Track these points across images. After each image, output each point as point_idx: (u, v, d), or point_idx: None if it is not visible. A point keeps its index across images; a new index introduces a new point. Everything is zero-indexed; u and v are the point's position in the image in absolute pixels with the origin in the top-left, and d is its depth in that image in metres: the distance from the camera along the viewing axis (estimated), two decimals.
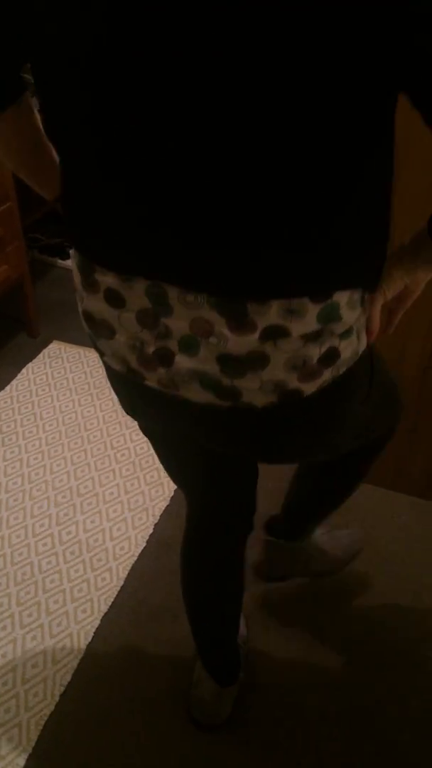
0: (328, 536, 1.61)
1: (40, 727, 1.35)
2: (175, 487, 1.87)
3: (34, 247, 2.91)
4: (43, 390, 2.22)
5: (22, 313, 2.44)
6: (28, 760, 1.30)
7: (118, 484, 1.88)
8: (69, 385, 2.24)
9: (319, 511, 1.44)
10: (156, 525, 1.76)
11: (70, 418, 2.11)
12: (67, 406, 2.15)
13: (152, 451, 1.98)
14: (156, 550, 1.70)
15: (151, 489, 1.87)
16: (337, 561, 1.60)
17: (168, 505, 1.82)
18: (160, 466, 1.93)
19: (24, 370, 2.29)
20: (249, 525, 1.19)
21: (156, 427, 0.99)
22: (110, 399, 2.18)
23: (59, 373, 2.29)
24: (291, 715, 1.37)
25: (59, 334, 2.47)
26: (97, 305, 0.80)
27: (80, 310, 0.85)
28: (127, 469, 1.93)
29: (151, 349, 0.78)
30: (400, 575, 1.64)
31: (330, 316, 0.73)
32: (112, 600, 1.58)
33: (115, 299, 0.78)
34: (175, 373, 0.78)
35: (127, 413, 0.99)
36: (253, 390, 0.77)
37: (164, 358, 0.78)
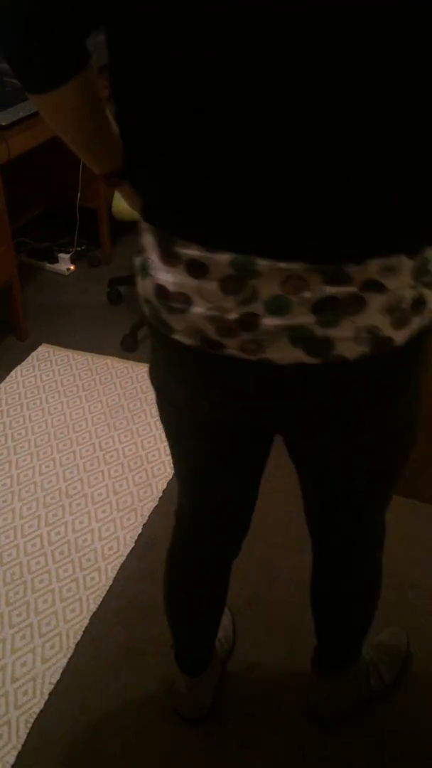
0: (371, 648, 1.45)
1: (30, 725, 1.36)
2: (164, 488, 1.89)
3: (22, 251, 2.93)
4: (32, 392, 2.23)
5: (10, 316, 2.45)
6: (18, 757, 1.31)
7: (106, 485, 1.89)
8: (58, 388, 2.25)
9: (357, 622, 1.25)
10: (144, 525, 1.78)
11: (59, 420, 2.12)
12: (55, 409, 2.16)
13: (141, 452, 2.00)
14: (144, 550, 1.71)
15: (139, 490, 1.88)
16: (391, 670, 1.42)
17: (156, 506, 1.83)
18: (149, 468, 1.95)
19: (13, 373, 2.30)
20: (238, 544, 1.18)
21: (205, 414, 0.93)
22: (99, 401, 2.19)
23: (48, 375, 2.30)
24: (272, 712, 1.39)
25: (48, 338, 2.49)
26: (176, 277, 0.79)
27: (150, 285, 0.83)
28: (116, 471, 1.94)
29: (233, 316, 0.77)
30: (386, 572, 1.66)
31: (422, 269, 0.76)
32: (101, 599, 1.59)
33: (197, 269, 0.77)
34: (261, 333, 0.77)
35: (178, 407, 0.95)
36: (347, 340, 0.76)
37: (248, 323, 0.77)
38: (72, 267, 2.90)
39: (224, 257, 0.75)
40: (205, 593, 1.22)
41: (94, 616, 1.55)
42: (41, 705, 1.39)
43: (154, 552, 1.71)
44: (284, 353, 0.78)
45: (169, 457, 1.99)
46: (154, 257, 0.81)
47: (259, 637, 1.53)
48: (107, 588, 1.62)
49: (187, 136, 0.71)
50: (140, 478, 1.92)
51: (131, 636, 1.52)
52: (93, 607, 1.57)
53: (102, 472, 1.94)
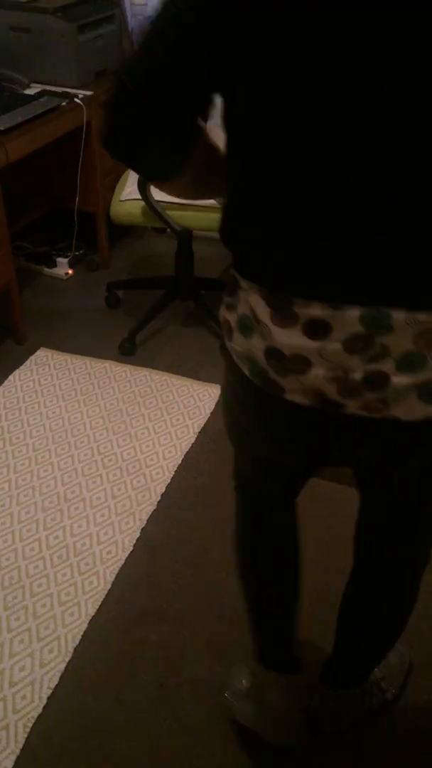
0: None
1: (28, 729, 1.36)
2: (162, 491, 1.89)
3: (20, 255, 2.93)
4: (30, 396, 2.23)
5: (8, 320, 2.45)
6: (16, 762, 1.31)
7: (105, 489, 1.89)
8: (56, 392, 2.25)
9: (382, 644, 1.24)
10: (143, 529, 1.78)
11: (57, 424, 2.12)
12: (54, 413, 2.16)
13: (139, 456, 2.00)
14: (143, 554, 1.72)
15: (138, 494, 1.88)
16: (392, 687, 1.40)
17: (155, 510, 1.84)
18: (147, 471, 1.95)
19: (11, 377, 2.31)
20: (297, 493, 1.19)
21: (295, 456, 0.95)
22: (97, 405, 2.20)
23: (46, 379, 2.31)
24: None
25: (46, 342, 2.49)
26: (293, 339, 0.75)
27: (259, 347, 0.80)
28: (114, 474, 1.94)
29: (358, 376, 0.74)
30: None
31: None
32: (99, 603, 1.59)
33: (318, 330, 0.74)
34: (389, 392, 0.74)
35: (276, 453, 0.95)
36: None
37: (376, 382, 0.74)
38: (70, 271, 2.90)
39: (353, 313, 0.72)
40: (281, 563, 1.21)
41: (93, 620, 1.55)
42: (40, 709, 1.39)
43: (153, 556, 1.71)
44: (413, 410, 0.75)
45: (168, 461, 1.99)
46: (262, 317, 0.78)
47: None
48: (106, 592, 1.62)
49: (314, 188, 0.69)
50: (138, 482, 1.92)
51: (130, 640, 1.52)
52: (91, 611, 1.57)
53: (100, 476, 1.94)
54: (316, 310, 0.73)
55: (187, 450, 2.04)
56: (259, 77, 0.68)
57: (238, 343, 0.84)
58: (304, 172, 0.70)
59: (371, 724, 1.37)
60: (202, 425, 2.13)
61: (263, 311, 0.77)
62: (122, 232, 3.12)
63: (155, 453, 2.02)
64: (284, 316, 0.75)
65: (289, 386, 0.79)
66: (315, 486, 1.93)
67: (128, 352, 2.44)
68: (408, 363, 0.72)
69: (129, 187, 2.34)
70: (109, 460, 1.99)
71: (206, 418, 2.16)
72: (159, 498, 1.87)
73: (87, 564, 1.68)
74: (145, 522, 1.80)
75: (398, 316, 0.70)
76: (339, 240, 0.70)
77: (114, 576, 1.66)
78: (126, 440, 2.06)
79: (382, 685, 1.38)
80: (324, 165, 0.68)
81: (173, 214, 2.25)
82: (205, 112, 0.75)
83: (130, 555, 1.71)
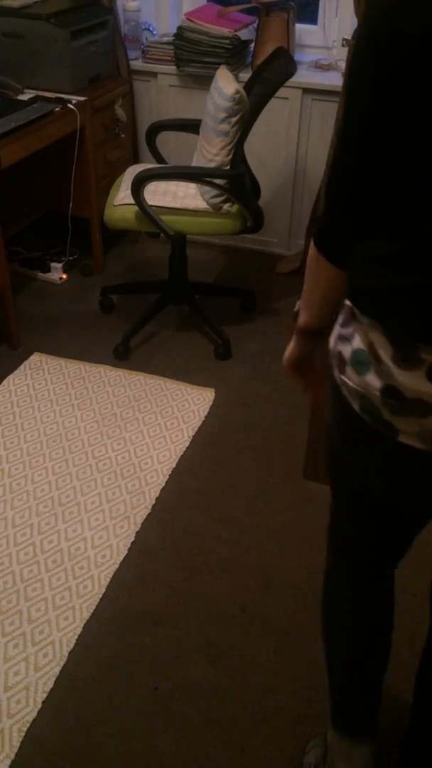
0: None
1: (23, 734, 1.35)
2: (157, 495, 1.89)
3: (14, 260, 2.93)
4: (24, 401, 2.23)
5: (2, 325, 2.45)
6: (11, 766, 1.31)
7: (99, 493, 1.90)
8: (50, 396, 2.25)
9: None
10: (137, 533, 1.78)
11: (51, 428, 2.12)
12: (48, 417, 2.16)
13: (133, 460, 2.00)
14: (137, 558, 1.72)
15: (132, 498, 1.89)
16: None
17: (149, 513, 1.84)
18: (142, 476, 1.95)
19: (5, 382, 2.31)
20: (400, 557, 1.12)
21: (401, 501, 0.94)
22: (91, 410, 2.20)
23: (40, 384, 2.31)
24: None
25: (40, 346, 2.49)
26: (415, 382, 0.76)
27: (376, 385, 0.81)
28: (109, 479, 1.95)
29: None
30: None
31: None
32: (93, 607, 1.59)
33: None
34: None
35: (382, 495, 0.94)
36: None
37: None
38: (64, 276, 2.91)
39: None
40: (369, 613, 1.13)
41: (87, 624, 1.55)
42: (34, 714, 1.39)
43: (148, 559, 1.71)
44: None
45: (162, 465, 1.99)
46: (384, 356, 0.79)
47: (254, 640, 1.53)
48: (100, 596, 1.62)
49: None
50: (133, 485, 1.93)
51: (124, 644, 1.52)
52: (86, 615, 1.57)
53: (95, 480, 1.94)
54: None
55: (182, 454, 2.04)
56: None
57: (350, 378, 0.84)
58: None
59: None
60: (196, 429, 2.13)
61: (385, 351, 0.78)
62: (116, 237, 3.13)
63: (150, 457, 2.03)
64: (408, 358, 0.76)
65: (404, 428, 0.79)
66: (303, 489, 1.94)
67: (122, 356, 2.45)
68: None
69: (123, 191, 2.34)
70: (104, 464, 1.99)
71: (201, 422, 2.16)
72: (153, 502, 1.88)
73: (81, 568, 1.68)
74: (139, 526, 1.80)
75: None
76: None
77: (108, 580, 1.66)
78: (120, 444, 2.07)
79: None
80: None
81: (167, 219, 2.26)
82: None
83: (124, 559, 1.71)
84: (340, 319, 0.88)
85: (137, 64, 2.87)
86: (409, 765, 1.22)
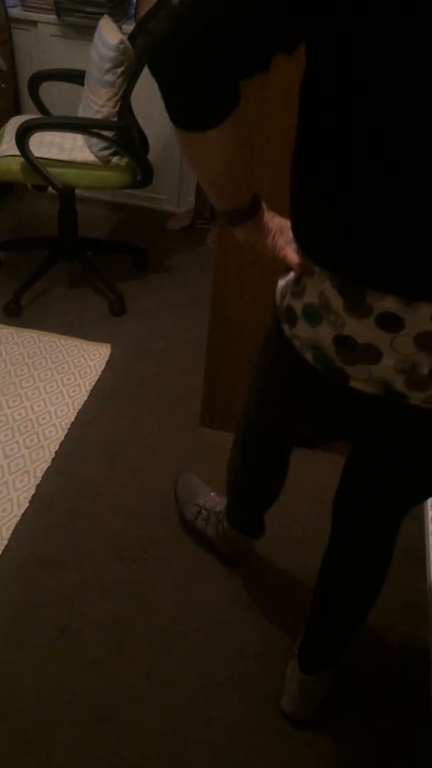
0: None
1: None
2: (56, 449, 1.90)
3: None
4: None
5: None
6: None
7: None
8: None
9: (352, 619, 1.27)
10: (38, 486, 1.79)
11: None
12: None
13: (31, 416, 1.99)
14: (39, 509, 1.73)
15: (31, 452, 1.89)
16: None
17: (49, 467, 1.85)
18: (40, 430, 1.95)
19: None
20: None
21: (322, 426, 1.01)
22: None
23: None
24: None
25: None
26: (365, 329, 0.77)
27: (328, 335, 0.81)
28: (6, 435, 1.93)
29: (425, 370, 0.77)
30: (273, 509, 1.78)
31: None
32: None
33: (390, 323, 0.76)
34: None
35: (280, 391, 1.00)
36: None
37: None
38: None
39: (425, 311, 0.73)
40: (270, 475, 1.39)
41: None
42: None
43: (50, 510, 1.73)
44: None
45: (60, 420, 2.00)
46: (335, 306, 0.78)
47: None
48: (3, 547, 1.62)
49: (399, 173, 0.68)
50: (32, 441, 1.92)
51: (30, 590, 1.55)
52: None
53: None
54: (390, 304, 0.75)
55: (80, 408, 2.06)
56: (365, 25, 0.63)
57: (302, 330, 0.85)
58: (397, 156, 0.67)
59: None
60: (93, 383, 2.15)
61: (336, 300, 0.78)
62: (1, 192, 3.02)
63: (47, 412, 2.02)
64: (358, 306, 0.76)
65: (355, 374, 0.81)
66: (199, 436, 2.01)
67: (13, 313, 2.40)
68: None
69: (6, 143, 2.27)
70: (0, 421, 1.97)
71: (98, 377, 2.18)
72: (53, 455, 1.89)
73: None
74: (40, 479, 1.81)
75: None
76: (421, 237, 0.70)
77: (10, 533, 1.66)
78: (16, 401, 2.05)
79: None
80: (421, 150, 0.66)
81: (54, 171, 2.22)
82: (268, 65, 0.69)
83: (25, 511, 1.72)
84: (293, 278, 0.88)
85: (16, 12, 2.75)
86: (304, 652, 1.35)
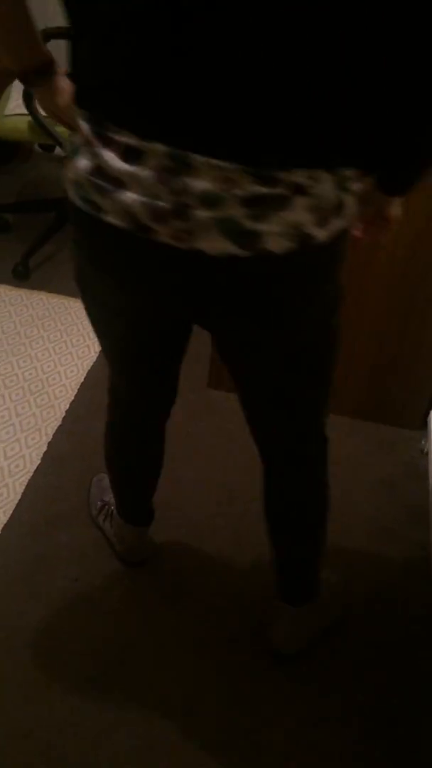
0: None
1: None
2: (67, 408, 1.93)
3: None
4: None
5: None
6: None
7: (8, 408, 1.91)
8: None
9: (306, 542, 1.30)
10: (50, 444, 1.82)
11: None
12: None
13: (41, 376, 2.02)
14: (51, 466, 1.77)
15: (42, 411, 1.91)
16: (336, 607, 1.50)
17: (60, 425, 1.88)
18: (50, 390, 1.98)
19: None
20: (166, 412, 1.31)
21: (129, 304, 0.98)
22: None
23: None
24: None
25: None
26: (112, 160, 0.80)
27: (83, 165, 0.84)
28: (17, 394, 1.96)
29: (166, 204, 0.80)
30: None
31: (341, 182, 0.83)
32: (11, 512, 1.64)
33: (133, 155, 0.79)
34: (192, 223, 0.80)
35: (106, 293, 0.98)
36: (274, 235, 0.81)
37: (181, 212, 0.80)
38: None
39: (160, 148, 0.77)
40: (141, 454, 1.36)
41: (6, 528, 1.60)
42: None
43: (61, 467, 1.77)
44: (214, 244, 0.81)
45: (70, 380, 2.02)
46: (90, 138, 0.82)
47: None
48: (16, 502, 1.66)
49: (125, 23, 0.73)
50: (42, 400, 1.95)
51: (43, 544, 1.59)
52: (3, 520, 1.62)
53: (2, 396, 1.95)
54: (128, 139, 0.79)
55: (89, 368, 2.08)
56: None
57: (69, 169, 0.88)
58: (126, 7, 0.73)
59: (325, 642, 1.46)
60: None
61: (88, 133, 0.83)
62: (7, 155, 3.00)
63: (57, 372, 2.05)
64: (104, 139, 0.81)
65: (108, 206, 0.84)
66: (207, 397, 2.04)
67: (22, 276, 2.41)
68: (207, 199, 0.79)
69: (14, 101, 2.25)
70: (11, 381, 2.00)
71: None
72: (64, 414, 1.91)
73: None
74: (51, 437, 1.84)
75: (197, 159, 0.77)
76: (151, 79, 0.75)
77: (24, 487, 1.70)
78: (26, 362, 2.07)
79: (330, 604, 1.47)
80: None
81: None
82: None
83: (38, 468, 1.76)
84: None
85: None
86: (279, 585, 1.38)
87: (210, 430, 1.92)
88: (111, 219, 0.84)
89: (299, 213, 0.81)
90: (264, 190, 0.78)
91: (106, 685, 1.36)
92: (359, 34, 0.72)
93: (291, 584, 1.36)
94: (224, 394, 2.04)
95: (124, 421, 1.31)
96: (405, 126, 0.82)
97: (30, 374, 2.03)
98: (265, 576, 1.57)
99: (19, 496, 1.68)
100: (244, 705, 1.34)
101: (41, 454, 1.79)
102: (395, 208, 1.01)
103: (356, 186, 0.86)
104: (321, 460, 1.21)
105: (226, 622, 1.48)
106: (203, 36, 0.72)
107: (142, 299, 0.95)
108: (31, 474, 1.74)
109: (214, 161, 0.77)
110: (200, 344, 2.16)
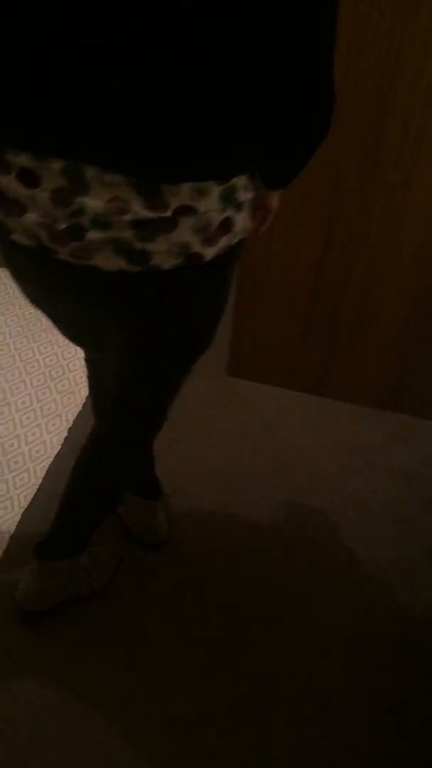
0: (87, 555, 1.49)
1: None
2: (87, 393, 1.95)
3: None
4: None
5: None
6: None
7: (29, 394, 1.93)
8: None
9: (97, 506, 1.34)
10: (70, 429, 1.84)
11: None
12: None
13: (62, 362, 2.04)
14: (71, 452, 1.78)
15: (63, 397, 1.93)
16: (102, 580, 1.49)
17: (81, 411, 1.90)
18: (71, 376, 2.00)
19: None
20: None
21: (62, 310, 1.09)
22: (15, 315, 2.19)
23: None
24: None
25: None
26: (10, 184, 0.84)
27: None
28: (38, 380, 1.97)
29: (62, 226, 0.85)
30: (298, 459, 1.82)
31: (230, 195, 0.87)
32: (31, 497, 1.66)
33: (29, 178, 0.82)
34: (87, 243, 0.86)
35: (32, 300, 1.07)
36: (162, 253, 0.87)
37: (76, 233, 0.85)
38: None
39: (56, 165, 0.81)
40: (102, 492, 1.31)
41: (26, 512, 1.62)
42: None
43: None
44: (109, 262, 0.88)
45: None
46: None
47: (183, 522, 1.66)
48: (37, 486, 1.68)
49: (11, 42, 0.75)
50: (63, 386, 1.97)
51: None
52: (24, 504, 1.64)
53: (24, 381, 1.97)
54: (25, 160, 0.82)
55: None
56: None
57: None
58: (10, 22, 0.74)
59: (82, 611, 1.45)
60: None
61: None
62: None
63: (78, 359, 2.06)
64: (2, 163, 0.84)
65: (13, 227, 0.89)
66: (227, 385, 2.04)
67: None
68: (99, 223, 0.84)
69: None
70: (32, 367, 2.02)
71: None
72: (84, 400, 1.93)
73: (17, 462, 1.73)
74: (71, 423, 1.86)
75: (90, 173, 0.81)
76: (44, 93, 0.78)
77: (44, 472, 1.72)
78: (47, 348, 2.09)
79: (91, 573, 1.46)
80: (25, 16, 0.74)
81: None
82: None
83: (58, 453, 1.77)
84: None
85: None
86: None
87: (226, 417, 1.93)
88: (17, 238, 0.90)
89: (185, 234, 0.86)
90: (150, 214, 0.83)
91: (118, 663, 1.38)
92: (238, 39, 0.75)
93: (57, 540, 1.35)
94: (243, 381, 2.04)
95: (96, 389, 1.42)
96: (281, 123, 0.86)
97: (51, 360, 2.05)
98: (270, 562, 1.58)
99: (39, 481, 1.70)
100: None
101: (62, 440, 1.81)
102: (274, 199, 1.06)
103: (247, 195, 0.91)
104: (125, 459, 1.27)
105: (231, 609, 1.49)
106: (93, 46, 0.74)
107: (62, 306, 1.05)
108: (51, 459, 1.76)
109: (107, 177, 0.81)
110: (220, 331, 2.17)
